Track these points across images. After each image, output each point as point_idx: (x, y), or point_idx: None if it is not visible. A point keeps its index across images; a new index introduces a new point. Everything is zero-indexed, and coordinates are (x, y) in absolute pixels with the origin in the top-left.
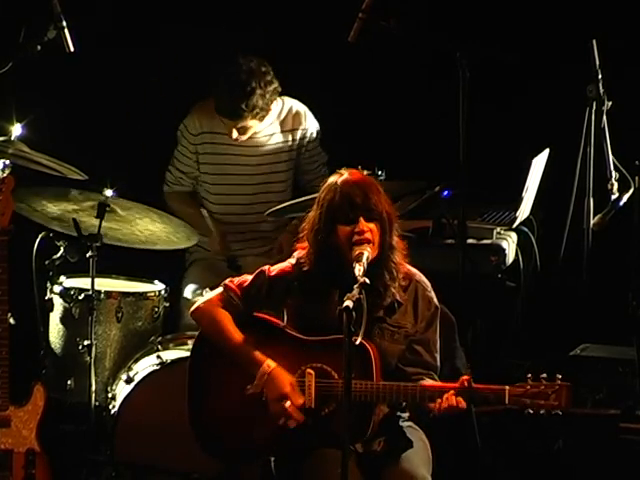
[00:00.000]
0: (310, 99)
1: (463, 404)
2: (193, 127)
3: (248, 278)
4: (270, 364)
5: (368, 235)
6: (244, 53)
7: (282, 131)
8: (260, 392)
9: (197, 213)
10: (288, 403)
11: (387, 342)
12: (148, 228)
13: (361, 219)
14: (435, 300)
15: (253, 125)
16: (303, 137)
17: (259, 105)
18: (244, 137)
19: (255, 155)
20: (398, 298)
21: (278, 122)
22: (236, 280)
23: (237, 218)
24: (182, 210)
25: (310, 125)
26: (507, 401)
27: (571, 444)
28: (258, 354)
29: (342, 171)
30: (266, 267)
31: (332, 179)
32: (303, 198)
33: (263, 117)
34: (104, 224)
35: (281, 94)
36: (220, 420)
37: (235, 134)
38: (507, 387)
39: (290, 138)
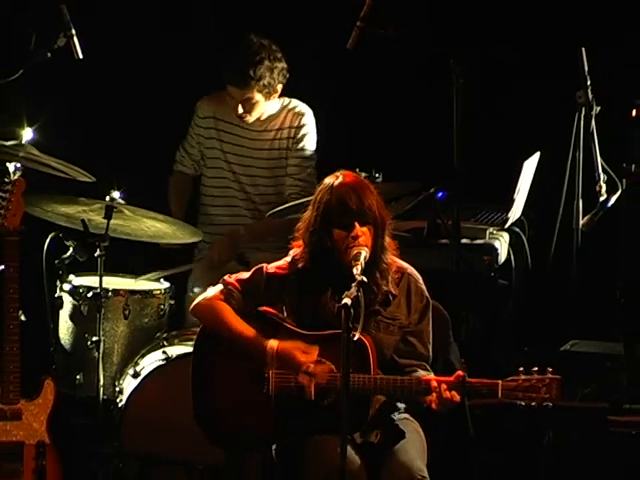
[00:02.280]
0: (311, 105)
1: (457, 398)
2: (202, 110)
3: (246, 274)
4: (272, 344)
5: (362, 240)
6: (257, 34)
7: (285, 127)
8: (255, 386)
9: (181, 208)
10: (309, 367)
11: (382, 334)
12: (155, 225)
13: (356, 224)
14: (426, 292)
15: (259, 101)
16: (301, 136)
17: (266, 77)
18: (249, 117)
19: (260, 149)
20: (392, 291)
21: (282, 117)
22: (234, 276)
23: (238, 210)
24: (174, 191)
25: (310, 128)
26: (500, 394)
27: (561, 436)
28: (259, 338)
29: (338, 173)
30: (264, 264)
31: (328, 181)
32: (302, 200)
33: (269, 95)
34: (112, 222)
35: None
36: (223, 411)
37: (240, 109)
38: (500, 381)
39: (290, 135)
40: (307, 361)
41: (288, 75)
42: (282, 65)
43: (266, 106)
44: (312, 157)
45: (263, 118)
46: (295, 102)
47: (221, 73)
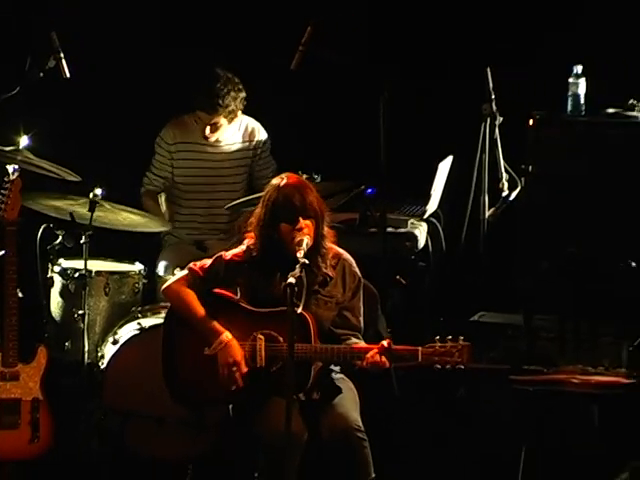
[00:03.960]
0: (264, 119)
1: (386, 362)
2: (169, 138)
3: (208, 262)
4: (228, 335)
5: (305, 231)
6: (222, 67)
7: (241, 142)
8: (214, 355)
9: (158, 207)
10: (235, 369)
11: (322, 310)
12: (129, 217)
13: (300, 219)
14: (359, 274)
15: (223, 124)
16: (257, 147)
17: (231, 105)
18: (213, 137)
19: (220, 160)
20: (329, 274)
21: (238, 134)
22: (198, 263)
23: (203, 211)
24: (150, 205)
25: (263, 138)
26: (420, 359)
27: (471, 392)
28: (218, 326)
29: (282, 175)
30: (222, 253)
31: (274, 182)
32: (254, 195)
33: (232, 119)
34: (94, 214)
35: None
36: (188, 376)
37: (208, 131)
38: (420, 348)
39: (247, 147)
40: (240, 366)
41: (246, 101)
42: (243, 94)
43: (228, 127)
44: (272, 159)
45: (225, 134)
46: (247, 118)
47: (189, 97)
